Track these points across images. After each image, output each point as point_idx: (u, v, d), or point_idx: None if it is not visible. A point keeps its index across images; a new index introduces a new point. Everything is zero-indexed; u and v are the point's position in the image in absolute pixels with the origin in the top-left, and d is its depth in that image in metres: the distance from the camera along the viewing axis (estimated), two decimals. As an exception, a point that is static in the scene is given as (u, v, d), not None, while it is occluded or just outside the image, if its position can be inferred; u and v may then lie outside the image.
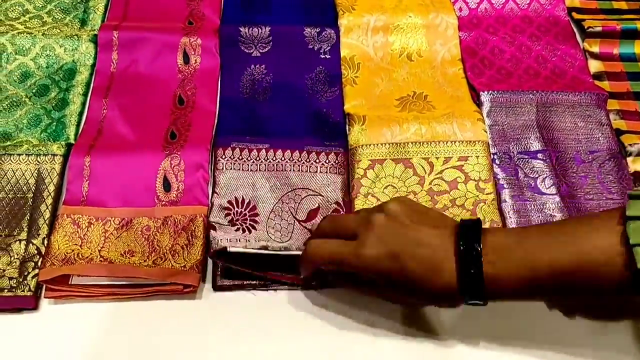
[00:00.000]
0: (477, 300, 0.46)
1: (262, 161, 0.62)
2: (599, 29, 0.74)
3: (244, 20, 0.74)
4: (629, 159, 0.64)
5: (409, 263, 0.46)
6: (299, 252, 0.54)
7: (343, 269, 0.50)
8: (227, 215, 0.59)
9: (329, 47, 0.73)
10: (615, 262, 0.42)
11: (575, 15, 0.77)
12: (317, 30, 0.72)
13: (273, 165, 0.62)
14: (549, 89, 0.69)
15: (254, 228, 0.58)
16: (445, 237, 0.47)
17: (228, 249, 0.55)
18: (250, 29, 0.72)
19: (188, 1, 0.77)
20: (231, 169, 0.62)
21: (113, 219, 0.58)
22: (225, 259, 0.55)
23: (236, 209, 0.60)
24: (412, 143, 0.64)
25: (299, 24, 0.73)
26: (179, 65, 0.71)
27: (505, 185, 0.62)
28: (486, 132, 0.65)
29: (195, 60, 0.71)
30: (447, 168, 0.62)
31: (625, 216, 0.43)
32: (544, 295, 0.50)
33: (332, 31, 0.73)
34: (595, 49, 0.74)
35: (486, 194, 0.61)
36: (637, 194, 0.44)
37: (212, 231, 0.57)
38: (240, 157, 0.62)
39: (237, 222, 0.59)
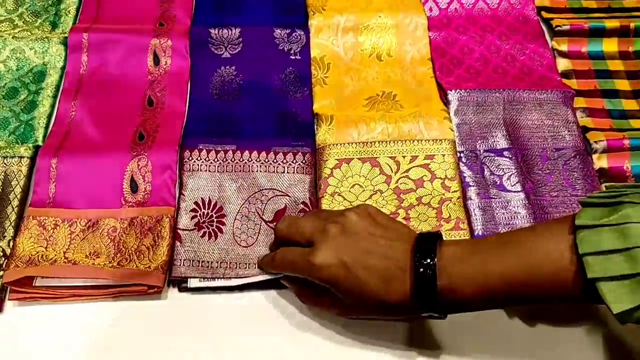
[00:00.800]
0: (432, 312, 0.47)
1: (229, 162, 0.63)
2: (567, 27, 0.74)
3: (214, 21, 0.74)
4: (595, 156, 0.65)
5: (360, 272, 0.46)
6: (260, 278, 0.55)
7: (299, 276, 0.50)
8: (193, 217, 0.59)
9: (299, 48, 0.73)
10: (566, 271, 0.42)
11: (545, 14, 0.78)
12: (287, 32, 0.73)
13: (240, 166, 0.62)
14: (516, 87, 0.70)
15: (220, 231, 0.59)
16: (401, 249, 0.47)
17: (189, 285, 0.55)
18: (220, 30, 0.72)
19: (160, 3, 0.77)
20: (198, 170, 0.62)
21: (79, 220, 0.59)
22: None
23: (203, 210, 0.60)
24: (378, 142, 0.64)
25: (269, 25, 0.73)
26: (149, 67, 0.71)
27: (471, 183, 0.63)
28: (453, 130, 0.65)
29: (166, 61, 0.71)
30: (414, 167, 0.63)
31: (574, 225, 0.43)
32: (498, 305, 0.50)
33: (302, 32, 0.73)
34: (564, 47, 0.74)
35: (452, 192, 0.61)
36: (588, 201, 0.44)
37: (177, 242, 0.57)
38: (207, 159, 0.62)
39: (204, 225, 0.59)
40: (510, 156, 0.64)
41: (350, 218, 0.49)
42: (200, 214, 0.60)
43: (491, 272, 0.45)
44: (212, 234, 0.58)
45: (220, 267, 0.57)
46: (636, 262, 0.39)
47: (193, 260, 0.57)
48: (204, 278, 0.56)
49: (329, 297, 0.50)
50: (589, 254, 0.41)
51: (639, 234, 0.40)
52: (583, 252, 0.41)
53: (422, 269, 0.45)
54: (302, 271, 0.49)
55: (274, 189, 0.61)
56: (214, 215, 0.60)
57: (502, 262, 0.45)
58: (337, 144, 0.64)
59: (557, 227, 0.44)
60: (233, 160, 0.63)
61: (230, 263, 0.57)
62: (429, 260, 0.45)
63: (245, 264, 0.57)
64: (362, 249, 0.47)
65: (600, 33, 0.74)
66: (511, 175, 0.63)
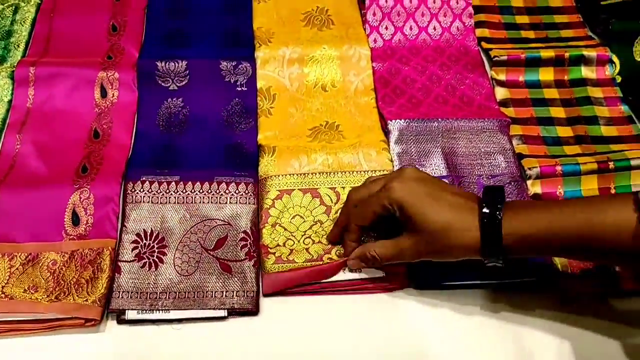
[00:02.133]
0: (495, 254, 0.51)
1: (172, 194, 0.63)
2: (504, 57, 0.77)
3: (162, 54, 0.75)
4: (529, 182, 0.67)
5: (432, 202, 0.52)
6: (200, 314, 0.56)
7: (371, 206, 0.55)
8: (134, 249, 0.60)
9: (245, 80, 0.75)
10: (628, 223, 0.47)
11: (484, 45, 0.81)
12: (233, 64, 0.75)
13: (183, 197, 0.63)
14: (455, 116, 0.72)
15: (161, 261, 0.59)
16: (467, 194, 0.55)
17: (127, 317, 0.56)
18: (167, 63, 0.74)
19: (109, 36, 0.79)
20: (141, 202, 0.63)
21: (19, 254, 0.59)
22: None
23: (144, 241, 0.60)
24: (319, 173, 0.66)
25: (216, 57, 0.75)
26: (96, 100, 0.72)
27: (409, 211, 0.64)
28: (391, 161, 0.67)
29: (113, 94, 0.72)
30: (353, 196, 0.64)
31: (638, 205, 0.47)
32: (557, 253, 0.55)
33: (248, 64, 0.75)
34: (502, 76, 0.77)
35: (390, 221, 0.63)
36: None
37: (116, 274, 0.58)
38: (150, 190, 0.63)
39: (145, 256, 0.60)
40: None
41: (413, 169, 0.56)
42: (141, 245, 0.60)
43: (554, 220, 0.49)
44: (153, 264, 0.59)
45: (160, 297, 0.57)
46: None
47: (132, 292, 0.57)
48: (142, 310, 0.56)
49: (396, 239, 0.54)
50: None
51: None
52: None
53: (489, 216, 0.50)
54: (379, 203, 0.53)
55: (216, 218, 0.62)
56: (155, 246, 0.60)
57: (565, 211, 0.50)
58: (278, 175, 0.65)
59: (617, 194, 0.53)
60: (176, 191, 0.64)
61: (169, 293, 0.57)
62: (496, 210, 0.50)
63: (185, 293, 0.58)
64: (435, 185, 0.54)
65: (536, 63, 0.77)
66: (448, 202, 0.65)
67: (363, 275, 0.59)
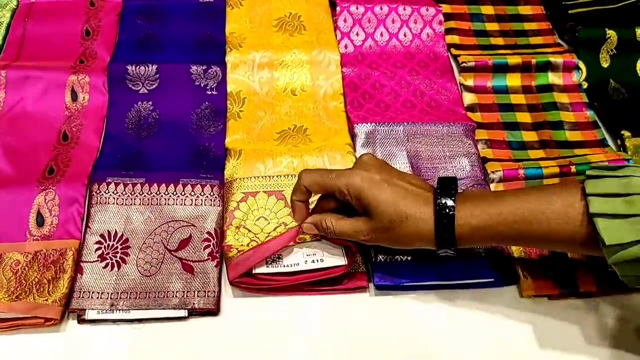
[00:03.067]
0: (447, 243, 0.53)
1: (137, 195, 0.64)
2: (472, 64, 0.78)
3: (134, 58, 0.76)
4: (492, 185, 0.68)
5: (389, 187, 0.53)
6: (161, 314, 0.57)
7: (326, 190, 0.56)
8: (97, 249, 0.60)
9: (215, 84, 0.75)
10: (573, 209, 0.49)
11: (454, 51, 0.82)
12: (204, 68, 0.75)
13: (148, 199, 0.64)
14: (422, 120, 0.73)
15: (124, 262, 0.60)
16: (422, 181, 0.56)
17: (86, 317, 0.56)
18: (137, 67, 0.74)
19: (82, 41, 0.79)
20: (106, 203, 0.63)
21: (-18, 254, 0.59)
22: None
23: (108, 242, 0.61)
24: (284, 176, 0.66)
25: (186, 62, 0.76)
26: (67, 103, 0.72)
27: (372, 213, 0.65)
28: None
29: (84, 97, 0.73)
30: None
31: (585, 193, 0.49)
32: (504, 241, 0.56)
33: (219, 68, 0.76)
34: (470, 82, 0.78)
35: (353, 222, 0.64)
36: (595, 166, 0.52)
37: (78, 274, 0.58)
38: (115, 192, 0.64)
39: (107, 256, 0.60)
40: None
41: (372, 156, 0.57)
42: (105, 246, 0.61)
43: (504, 209, 0.51)
44: (115, 265, 0.59)
45: (121, 297, 0.57)
46: (632, 205, 0.47)
47: (93, 292, 0.57)
48: (102, 310, 0.56)
49: (354, 219, 0.55)
50: (593, 195, 0.48)
51: (638, 185, 0.48)
52: (588, 192, 0.49)
53: (443, 205, 0.52)
54: (336, 183, 0.54)
55: (180, 220, 0.63)
56: (119, 247, 0.61)
57: (515, 200, 0.51)
58: (244, 178, 0.66)
59: (568, 182, 0.55)
60: (141, 193, 0.64)
61: (130, 293, 0.58)
62: (449, 200, 0.52)
63: (146, 292, 0.58)
64: (392, 172, 0.55)
65: (503, 69, 0.78)
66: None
67: (325, 265, 0.59)
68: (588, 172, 0.51)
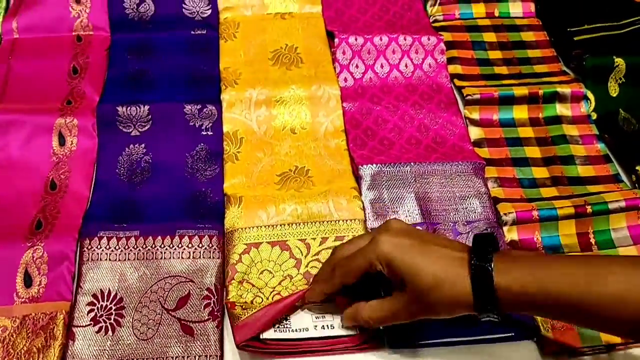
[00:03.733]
0: (488, 309, 0.47)
1: (131, 250, 0.60)
2: (477, 96, 0.75)
3: (124, 98, 0.72)
4: (505, 228, 0.65)
5: (420, 256, 0.49)
6: None
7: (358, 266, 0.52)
8: (90, 311, 0.56)
9: (210, 124, 0.72)
10: (632, 302, 0.43)
11: (457, 82, 0.79)
12: (198, 107, 0.72)
13: (143, 253, 0.60)
14: (428, 158, 0.70)
15: (119, 324, 0.56)
16: (457, 245, 0.51)
17: None
18: (128, 108, 0.71)
19: (69, 79, 0.76)
20: (98, 259, 0.59)
21: (-34, 321, 0.55)
22: None
23: (101, 303, 0.57)
24: (288, 224, 0.63)
25: (179, 101, 0.72)
26: (54, 148, 0.68)
27: (381, 262, 0.61)
28: (362, 209, 0.64)
29: (72, 141, 0.69)
30: (324, 249, 0.61)
31: None
32: (553, 316, 0.51)
33: (214, 107, 0.72)
34: (476, 115, 0.75)
35: (362, 273, 0.60)
36: None
37: (70, 341, 0.54)
38: (108, 247, 0.60)
39: (101, 319, 0.56)
40: (436, 234, 0.64)
41: (399, 221, 0.53)
42: (97, 307, 0.57)
43: (549, 280, 0.45)
44: (109, 328, 0.56)
45: (115, 365, 0.54)
46: None
47: None
48: None
49: (384, 300, 0.51)
50: None
51: None
52: None
53: (479, 266, 0.47)
54: (365, 259, 0.50)
55: (178, 275, 0.59)
56: (113, 308, 0.57)
57: (562, 271, 0.45)
58: (245, 228, 0.62)
59: (618, 258, 0.44)
60: (135, 247, 0.60)
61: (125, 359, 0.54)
62: (486, 259, 0.47)
63: (143, 359, 0.54)
64: (422, 237, 0.51)
65: (510, 101, 0.76)
66: (421, 252, 0.62)
67: (336, 332, 0.56)
68: None
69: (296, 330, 0.55)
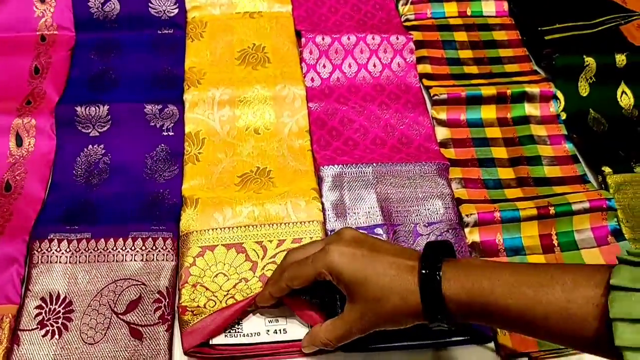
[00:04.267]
0: (437, 318, 0.46)
1: (82, 252, 0.59)
2: (444, 96, 0.74)
3: (85, 98, 0.71)
4: (467, 230, 0.64)
5: (372, 264, 0.47)
6: None
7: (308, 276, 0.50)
8: (38, 315, 0.55)
9: (171, 124, 0.71)
10: (586, 324, 0.40)
11: (426, 82, 0.78)
12: (159, 107, 0.71)
13: (95, 256, 0.59)
14: (392, 159, 0.69)
15: (66, 328, 0.55)
16: (408, 252, 0.49)
17: None
18: (87, 108, 0.69)
19: (30, 79, 0.74)
20: (48, 262, 0.58)
21: None
22: None
23: (49, 306, 0.56)
24: (244, 227, 0.62)
25: (140, 101, 0.71)
26: (11, 149, 0.67)
27: (338, 265, 0.60)
28: (321, 210, 0.63)
29: (29, 142, 0.68)
30: (281, 251, 0.60)
31: (609, 282, 0.39)
32: (502, 326, 0.50)
33: (175, 107, 0.71)
34: (443, 115, 0.74)
35: (319, 276, 0.59)
36: (627, 258, 0.40)
37: (15, 345, 0.53)
38: (59, 249, 0.59)
39: (48, 323, 0.55)
40: (382, 233, 0.63)
41: (352, 230, 0.52)
42: (45, 311, 0.55)
43: (497, 291, 0.43)
44: (56, 332, 0.54)
45: (59, 371, 0.52)
46: None
47: None
48: None
49: (336, 319, 0.51)
50: (620, 320, 0.37)
51: None
52: (614, 316, 0.38)
53: (428, 274, 0.46)
54: (314, 267, 0.49)
55: (129, 278, 0.58)
56: (61, 312, 0.56)
57: (510, 281, 0.43)
58: (201, 230, 0.61)
59: (588, 273, 0.41)
60: (87, 249, 0.59)
61: None
62: (435, 267, 0.46)
63: (88, 365, 0.53)
64: (374, 246, 0.49)
65: (477, 100, 0.75)
66: (379, 254, 0.61)
67: (289, 337, 0.55)
68: (616, 274, 0.39)
69: (248, 335, 0.54)
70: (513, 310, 0.43)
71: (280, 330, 0.55)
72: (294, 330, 0.54)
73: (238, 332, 0.54)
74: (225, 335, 0.54)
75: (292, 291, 0.52)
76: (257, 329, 0.55)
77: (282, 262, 0.54)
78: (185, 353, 0.53)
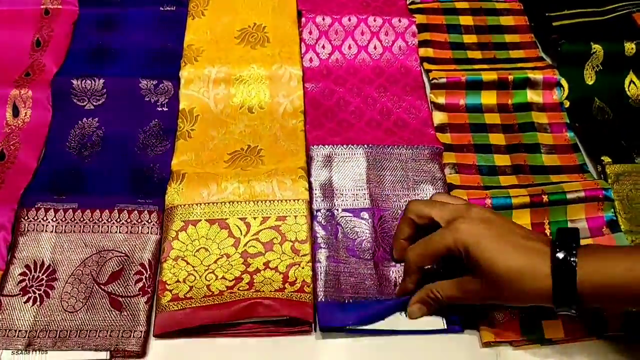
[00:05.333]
0: (568, 305, 0.47)
1: (68, 222, 0.59)
2: (443, 80, 0.73)
3: (83, 71, 0.71)
4: (457, 216, 0.62)
5: (501, 245, 0.48)
6: (77, 357, 0.52)
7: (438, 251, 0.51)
8: (21, 281, 0.56)
9: (166, 100, 0.71)
10: None
11: (427, 66, 0.76)
12: (154, 83, 0.71)
13: (80, 226, 0.59)
14: (385, 142, 0.67)
15: (47, 296, 0.55)
16: (540, 237, 0.50)
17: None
18: (83, 81, 0.70)
19: (32, 52, 0.75)
20: (34, 230, 0.59)
21: None
22: None
23: (33, 273, 0.57)
24: (229, 202, 0.61)
25: (136, 76, 0.71)
26: (7, 119, 0.68)
27: (322, 245, 0.60)
28: (307, 190, 0.63)
29: (26, 113, 0.69)
30: (264, 229, 0.60)
31: None
32: (634, 305, 0.50)
33: (170, 83, 0.71)
34: (442, 100, 0.73)
35: (301, 256, 0.58)
36: None
37: None
38: (45, 218, 0.59)
39: (31, 290, 0.56)
40: (368, 217, 0.62)
41: (479, 208, 0.52)
42: (29, 278, 0.56)
43: (635, 268, 0.45)
44: (38, 299, 0.55)
45: (39, 336, 0.53)
46: None
47: (9, 331, 0.53)
48: (17, 351, 0.52)
49: (455, 280, 0.52)
50: None
51: None
52: None
53: (562, 261, 0.46)
54: (444, 242, 0.50)
55: (113, 249, 0.58)
56: (45, 279, 0.56)
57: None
58: (184, 205, 0.61)
59: None
60: (73, 219, 0.60)
61: (49, 332, 0.53)
62: (569, 254, 0.46)
63: (67, 331, 0.53)
64: (504, 227, 0.50)
65: (478, 85, 0.73)
66: (364, 240, 0.60)
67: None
68: None
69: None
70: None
71: None
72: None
73: None
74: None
75: None
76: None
77: (407, 211, 0.56)
78: (155, 336, 0.53)
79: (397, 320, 0.55)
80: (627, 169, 0.65)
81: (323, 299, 0.56)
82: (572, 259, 0.46)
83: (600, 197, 0.62)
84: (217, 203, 0.61)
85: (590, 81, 0.75)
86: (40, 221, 0.59)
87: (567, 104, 0.73)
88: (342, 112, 0.72)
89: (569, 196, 0.62)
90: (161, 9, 0.80)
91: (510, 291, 0.48)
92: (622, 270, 0.45)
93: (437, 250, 0.52)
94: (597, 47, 0.74)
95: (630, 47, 0.75)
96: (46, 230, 0.59)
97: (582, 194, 0.62)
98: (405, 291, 0.55)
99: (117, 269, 0.57)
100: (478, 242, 0.49)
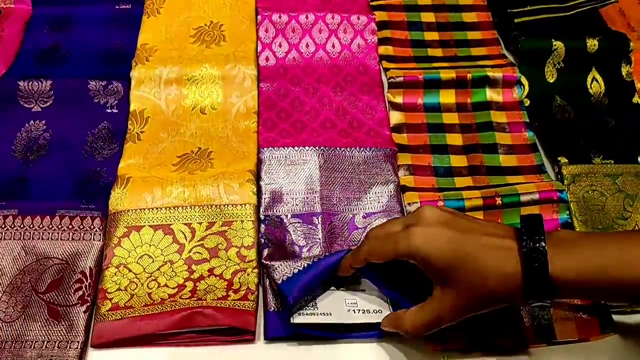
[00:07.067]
0: (541, 297, 0.45)
1: (7, 229, 0.58)
2: (400, 79, 0.71)
3: (31, 73, 0.70)
4: (408, 219, 0.61)
5: (465, 247, 0.45)
6: None
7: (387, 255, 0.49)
8: (-45, 291, 0.54)
9: (116, 101, 0.69)
10: None
11: (385, 64, 0.75)
12: (103, 84, 0.69)
13: (20, 233, 0.58)
14: (338, 143, 0.66)
15: (-18, 305, 0.54)
16: (503, 229, 0.47)
17: None
18: (30, 83, 0.68)
19: (-20, 53, 0.73)
20: (-29, 238, 0.57)
21: None
22: None
23: (-31, 283, 0.55)
24: (173, 208, 0.60)
25: (88, 76, 0.69)
26: (-47, 124, 0.66)
27: (269, 252, 0.58)
28: (254, 194, 0.61)
29: (-29, 117, 0.67)
30: (210, 234, 0.59)
31: None
32: (610, 298, 0.50)
33: (120, 84, 0.69)
34: (399, 99, 0.71)
35: (247, 262, 0.57)
36: None
37: None
38: (-17, 226, 0.58)
39: (-34, 300, 0.54)
40: (318, 223, 0.60)
41: (433, 209, 0.48)
42: (-35, 289, 0.55)
43: (608, 257, 0.43)
44: (-29, 312, 0.54)
45: (-31, 350, 0.52)
46: None
47: None
48: None
49: (423, 305, 0.48)
50: None
51: None
52: None
53: (531, 252, 0.44)
54: (395, 249, 0.47)
55: (54, 257, 0.57)
56: (-19, 289, 0.55)
57: (625, 255, 0.43)
58: (128, 210, 0.59)
59: None
60: (13, 226, 0.58)
61: None
62: (538, 244, 0.44)
63: (1, 342, 0.52)
64: (462, 226, 0.47)
65: (436, 84, 0.71)
66: (313, 246, 0.59)
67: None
68: None
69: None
70: (627, 283, 0.43)
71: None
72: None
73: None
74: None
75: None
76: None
77: (365, 235, 0.53)
78: (92, 346, 0.52)
79: (348, 315, 0.53)
80: (584, 170, 0.64)
81: (274, 309, 0.54)
82: (539, 256, 0.43)
83: (554, 199, 0.61)
84: (161, 208, 0.60)
85: (551, 79, 0.73)
86: (-22, 229, 0.58)
87: (527, 102, 0.71)
88: (296, 113, 0.70)
89: (522, 198, 0.61)
90: (116, 7, 0.78)
91: (482, 295, 0.45)
92: (593, 265, 0.43)
93: (386, 253, 0.48)
94: (558, 44, 0.73)
95: (592, 43, 0.73)
96: (-16, 238, 0.57)
97: (536, 196, 0.61)
98: (344, 270, 0.52)
99: (57, 277, 0.56)
100: (436, 248, 0.45)
